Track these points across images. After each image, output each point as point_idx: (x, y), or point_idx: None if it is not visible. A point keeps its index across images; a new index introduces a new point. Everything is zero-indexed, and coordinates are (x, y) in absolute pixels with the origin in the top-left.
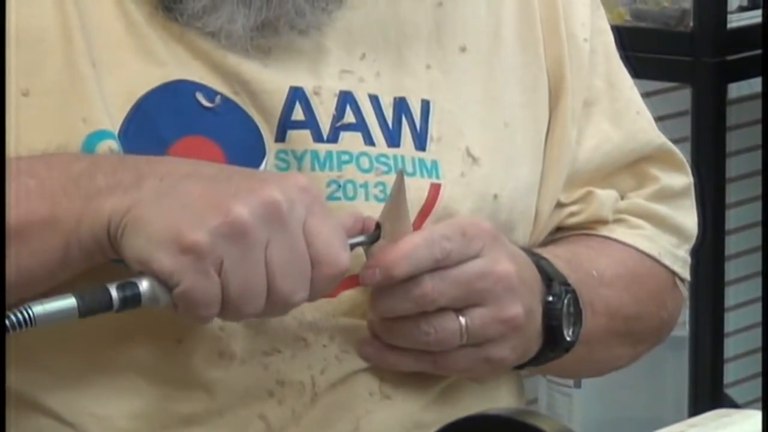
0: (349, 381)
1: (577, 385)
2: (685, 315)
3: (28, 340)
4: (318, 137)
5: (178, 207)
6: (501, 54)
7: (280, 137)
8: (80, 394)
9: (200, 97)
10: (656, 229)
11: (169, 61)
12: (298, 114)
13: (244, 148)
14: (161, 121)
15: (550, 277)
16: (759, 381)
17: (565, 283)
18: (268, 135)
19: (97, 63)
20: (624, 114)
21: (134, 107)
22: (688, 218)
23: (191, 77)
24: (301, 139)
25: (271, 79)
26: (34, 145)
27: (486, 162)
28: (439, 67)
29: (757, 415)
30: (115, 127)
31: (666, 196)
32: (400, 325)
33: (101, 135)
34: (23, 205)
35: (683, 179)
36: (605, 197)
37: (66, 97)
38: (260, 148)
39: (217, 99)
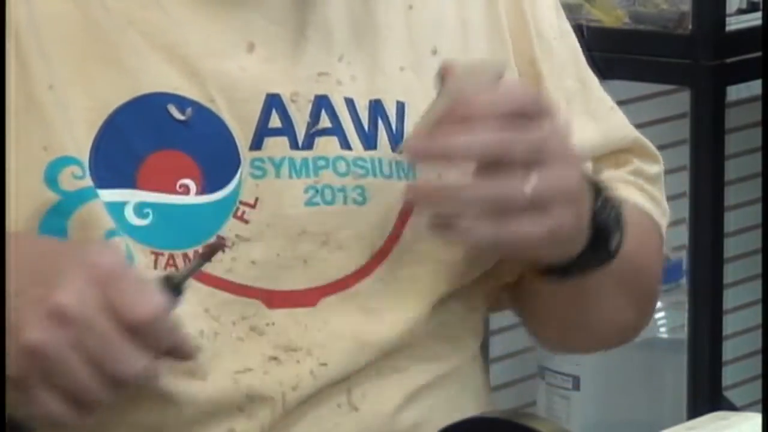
0: (319, 395)
1: (576, 388)
2: (683, 317)
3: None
4: (294, 144)
5: None
6: (470, 55)
7: (256, 145)
8: None
9: (172, 110)
10: (645, 197)
11: (143, 73)
12: (275, 121)
13: (218, 158)
14: (133, 137)
15: (598, 187)
16: (758, 384)
17: (612, 198)
18: (243, 143)
19: (56, 83)
20: (599, 111)
21: (105, 123)
22: (663, 201)
23: (164, 88)
24: (278, 146)
25: (248, 86)
26: None
27: None
28: (413, 69)
29: (755, 418)
30: (81, 148)
31: (642, 175)
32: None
33: (64, 161)
34: None
35: (657, 167)
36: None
37: (23, 126)
38: (235, 158)
39: (188, 111)
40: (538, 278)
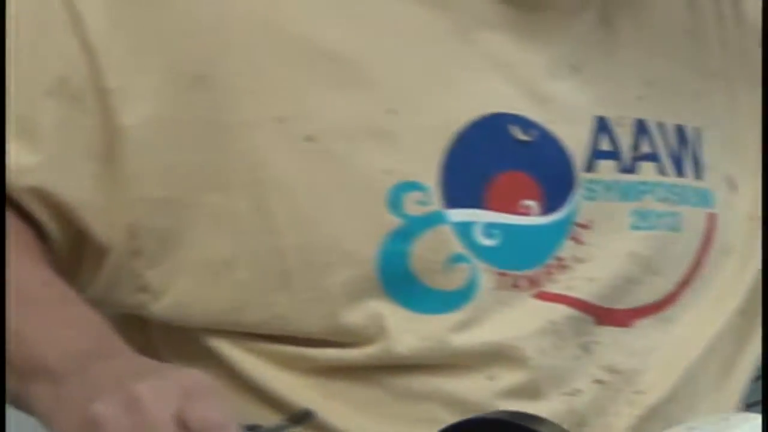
0: (641, 425)
1: None
2: None
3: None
4: (621, 167)
5: (65, 414)
6: (744, 77)
7: (589, 167)
8: (379, 423)
9: (516, 131)
10: None
11: (486, 93)
12: (605, 144)
13: (556, 179)
14: (480, 157)
15: None
16: (758, 384)
17: None
18: (577, 165)
19: (398, 107)
20: None
21: (452, 144)
22: None
23: (507, 109)
24: (608, 169)
25: (579, 108)
26: (325, 191)
27: (740, 185)
28: (703, 94)
29: (756, 418)
30: (427, 170)
31: None
32: None
33: (408, 186)
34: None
35: None
36: None
37: (360, 148)
38: (571, 179)
39: (534, 133)
40: None
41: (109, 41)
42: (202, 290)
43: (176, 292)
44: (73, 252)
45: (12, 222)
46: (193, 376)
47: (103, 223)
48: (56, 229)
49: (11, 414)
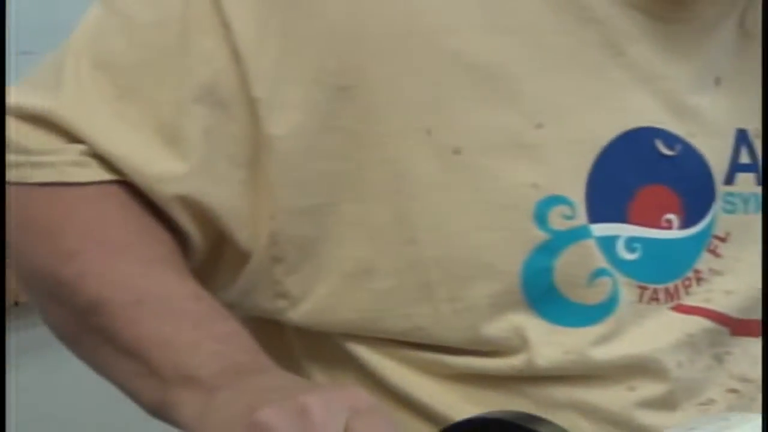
0: None
1: None
2: None
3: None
4: (758, 180)
5: (223, 420)
6: None
7: (729, 180)
8: None
9: (659, 145)
10: None
11: (630, 107)
12: (744, 157)
13: (697, 193)
14: (625, 171)
15: None
16: None
17: None
18: (717, 178)
19: (545, 122)
20: None
21: (599, 158)
22: None
23: (651, 122)
24: (747, 182)
25: (721, 121)
26: (469, 204)
27: None
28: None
29: (755, 419)
30: (573, 184)
31: None
32: None
33: (555, 200)
34: (147, 344)
35: None
36: None
37: (506, 159)
38: (710, 193)
39: (677, 147)
40: None
41: (257, 50)
42: (340, 298)
43: (315, 299)
44: (212, 258)
45: (156, 230)
46: (359, 393)
47: (246, 230)
48: (199, 236)
49: (11, 413)
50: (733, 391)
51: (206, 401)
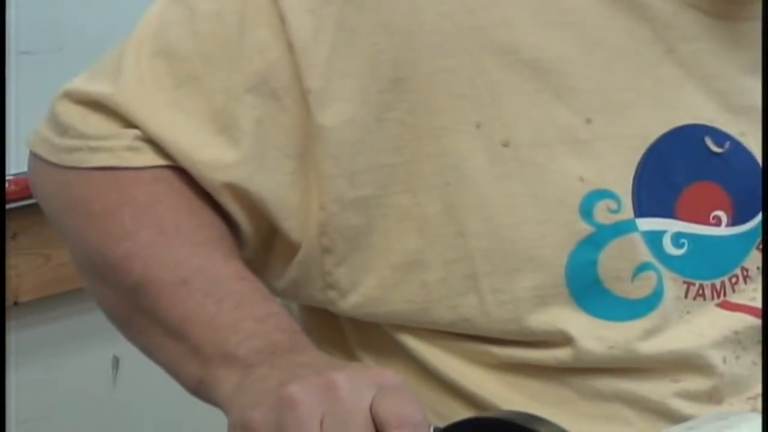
0: None
1: None
2: None
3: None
4: None
5: (254, 394)
6: None
7: None
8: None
9: (709, 142)
10: None
11: (680, 104)
12: None
13: (747, 191)
14: (673, 167)
15: None
16: None
17: None
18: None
19: (593, 117)
20: None
21: (647, 153)
22: None
23: (701, 120)
24: None
25: None
26: (517, 196)
27: None
28: None
29: (755, 418)
30: (620, 178)
31: None
32: None
33: (601, 194)
34: (190, 324)
35: None
36: None
37: (554, 153)
38: (760, 191)
39: (727, 144)
40: None
41: (312, 42)
42: (389, 289)
43: (364, 291)
44: (264, 247)
45: (206, 215)
46: (387, 373)
47: (296, 220)
48: (249, 225)
49: (11, 413)
50: None
51: (242, 378)
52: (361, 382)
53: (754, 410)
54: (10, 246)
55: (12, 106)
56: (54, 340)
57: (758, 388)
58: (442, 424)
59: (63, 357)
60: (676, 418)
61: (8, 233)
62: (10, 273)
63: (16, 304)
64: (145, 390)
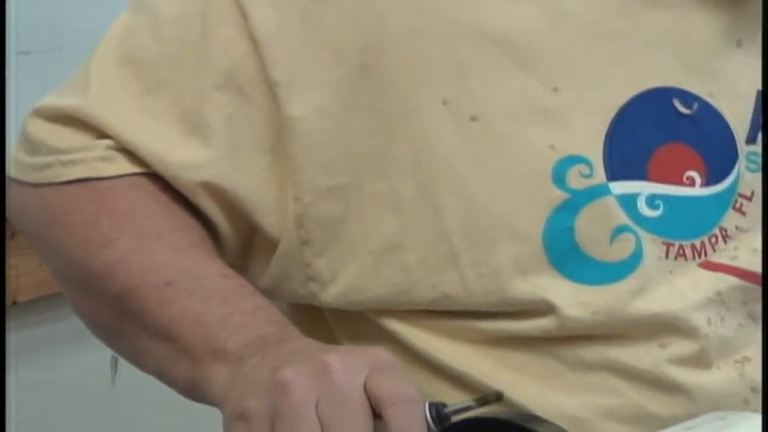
0: None
1: None
2: None
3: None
4: None
5: (247, 384)
6: None
7: (752, 139)
8: (554, 392)
9: (677, 104)
10: None
11: (647, 69)
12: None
13: (719, 151)
14: (644, 130)
15: None
16: None
17: None
18: (739, 137)
19: (560, 86)
20: None
21: (616, 117)
22: None
23: (669, 83)
24: None
25: (741, 82)
26: (490, 169)
27: None
28: None
29: (754, 418)
30: (590, 144)
31: None
32: None
33: (572, 160)
34: (177, 324)
35: None
36: None
37: (523, 124)
38: (733, 151)
39: (695, 106)
40: None
41: (276, 35)
42: (370, 276)
43: (345, 279)
44: (244, 248)
45: (184, 218)
46: (379, 353)
47: (274, 215)
48: (227, 224)
49: (11, 413)
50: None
51: (234, 371)
52: (353, 363)
53: (742, 376)
54: (10, 246)
55: (11, 106)
56: (53, 340)
57: (746, 351)
58: (436, 401)
59: (62, 357)
60: (667, 386)
61: (7, 233)
62: (10, 273)
63: (15, 303)
64: (144, 390)
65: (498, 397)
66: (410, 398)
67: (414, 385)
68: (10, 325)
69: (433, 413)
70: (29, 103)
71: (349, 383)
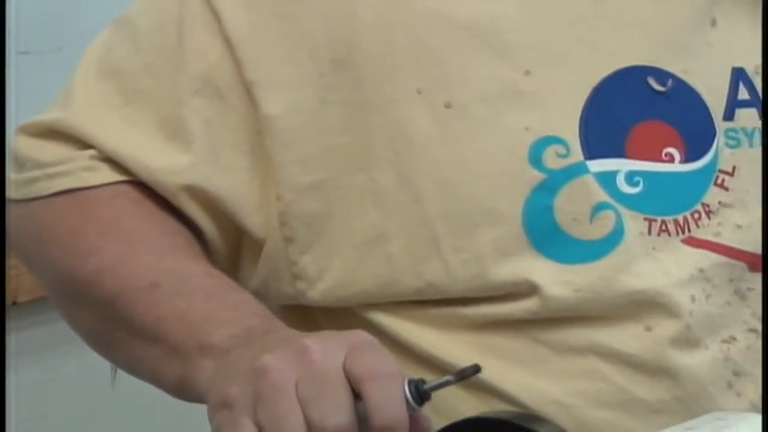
0: None
1: None
2: None
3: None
4: (761, 115)
5: (230, 373)
6: None
7: (729, 116)
8: (539, 378)
9: (652, 82)
10: None
11: (618, 48)
12: (743, 93)
13: (696, 128)
14: (619, 108)
15: None
16: None
17: None
18: (716, 114)
19: (532, 69)
20: None
21: (590, 97)
22: None
23: (641, 61)
24: (749, 117)
25: (716, 60)
26: (466, 154)
27: None
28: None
29: (754, 418)
30: (565, 124)
31: None
32: None
33: (548, 141)
34: (165, 324)
35: None
36: None
37: (497, 108)
38: (710, 128)
39: (669, 83)
40: None
41: (249, 36)
42: (355, 270)
43: (331, 274)
44: (233, 250)
45: (170, 224)
46: (358, 333)
47: (258, 216)
48: (213, 227)
49: (11, 413)
50: (753, 330)
51: (217, 365)
52: (332, 344)
53: (727, 359)
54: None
55: (11, 106)
56: (53, 340)
57: (733, 330)
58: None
59: (62, 357)
60: (653, 369)
61: (7, 233)
62: (10, 273)
63: (15, 303)
64: (144, 390)
65: (476, 370)
66: (388, 374)
67: (393, 362)
68: (10, 325)
69: (413, 390)
70: (29, 103)
71: (328, 363)
